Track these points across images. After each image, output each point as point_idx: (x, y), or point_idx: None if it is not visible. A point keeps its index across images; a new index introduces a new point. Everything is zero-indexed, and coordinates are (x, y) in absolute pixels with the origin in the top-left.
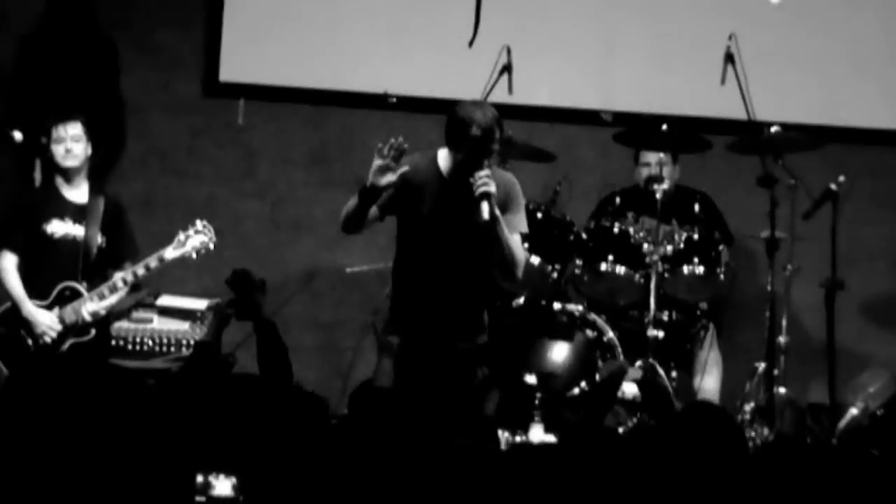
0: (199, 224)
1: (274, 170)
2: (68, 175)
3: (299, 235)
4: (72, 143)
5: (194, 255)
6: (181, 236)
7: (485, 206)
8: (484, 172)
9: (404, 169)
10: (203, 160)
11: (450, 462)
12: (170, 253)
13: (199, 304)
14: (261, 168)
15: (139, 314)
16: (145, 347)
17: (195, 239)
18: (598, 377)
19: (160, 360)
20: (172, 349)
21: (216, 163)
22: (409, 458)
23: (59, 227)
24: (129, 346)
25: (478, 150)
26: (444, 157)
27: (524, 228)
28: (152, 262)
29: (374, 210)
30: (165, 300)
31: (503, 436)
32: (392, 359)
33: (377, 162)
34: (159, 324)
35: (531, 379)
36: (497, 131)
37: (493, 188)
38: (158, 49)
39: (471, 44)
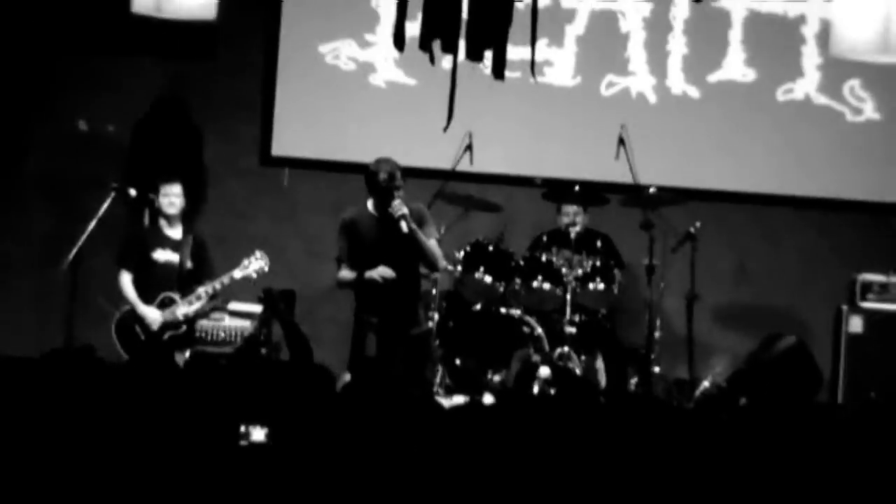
0: (258, 253)
1: (308, 216)
2: (169, 219)
3: (325, 262)
4: (174, 198)
5: (254, 276)
6: (245, 262)
7: (403, 224)
8: (397, 202)
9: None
10: (259, 209)
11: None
12: (237, 274)
13: (256, 308)
14: (299, 215)
15: (215, 315)
16: (219, 338)
17: (255, 264)
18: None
19: (229, 347)
20: (238, 340)
21: (268, 211)
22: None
23: (161, 255)
24: (209, 338)
25: (386, 189)
26: (370, 204)
27: (436, 236)
28: (225, 279)
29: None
30: (234, 305)
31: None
32: (373, 332)
33: (373, 274)
34: (229, 322)
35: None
36: (397, 174)
37: (405, 210)
38: (229, 132)
39: (445, 130)
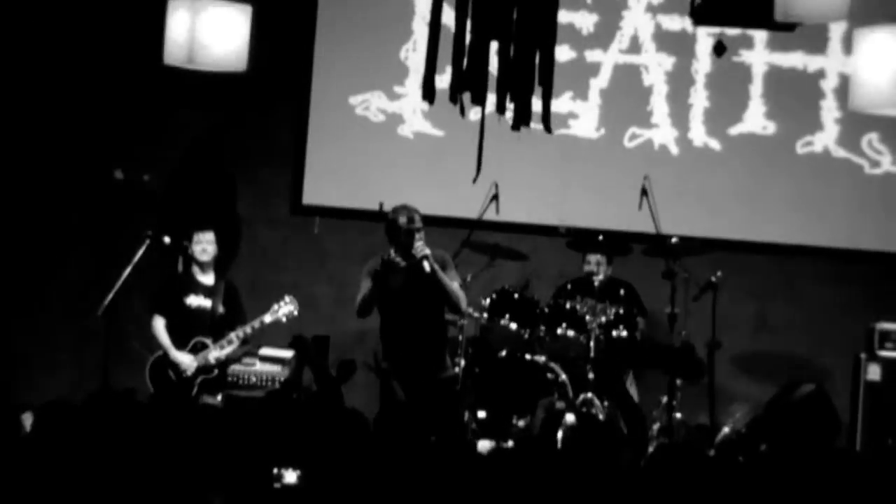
0: (287, 298)
1: (338, 264)
2: (202, 266)
3: (348, 311)
4: (206, 245)
5: (284, 320)
6: (275, 307)
7: (426, 263)
8: (419, 244)
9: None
10: (290, 256)
11: (445, 462)
12: (268, 318)
13: (287, 353)
14: (329, 263)
15: (247, 360)
16: (250, 382)
17: (285, 308)
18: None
19: (260, 391)
20: (269, 384)
21: (299, 259)
22: (421, 458)
23: (194, 300)
24: (240, 382)
25: (407, 232)
26: (392, 252)
27: (458, 280)
28: (256, 324)
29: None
30: (265, 350)
31: (482, 444)
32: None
33: (383, 256)
34: (260, 367)
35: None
36: (416, 217)
37: (428, 251)
38: (261, 181)
39: (474, 181)
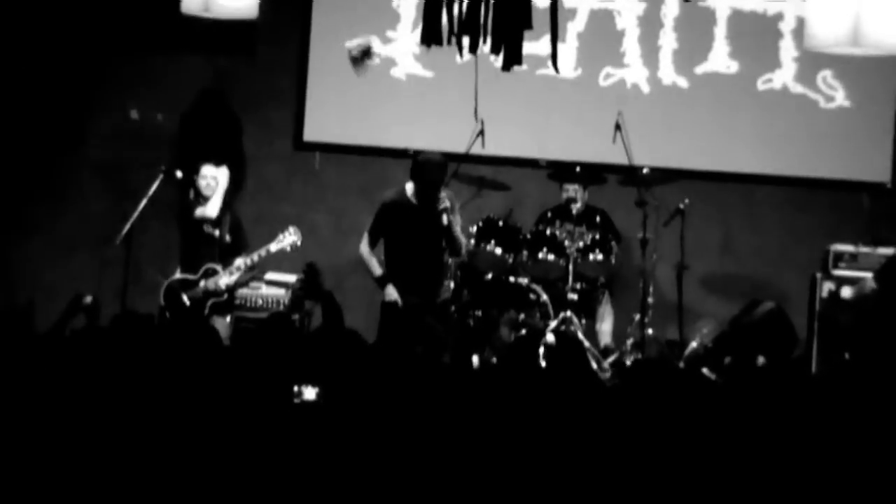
0: (291, 229)
1: (338, 197)
2: (207, 199)
3: (351, 237)
4: (210, 179)
5: (288, 249)
6: (280, 237)
7: (444, 217)
8: (443, 194)
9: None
10: (292, 190)
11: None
12: (273, 247)
13: (291, 278)
14: (329, 196)
15: (254, 284)
16: (257, 305)
17: (289, 238)
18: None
19: (265, 313)
20: (273, 306)
21: (301, 192)
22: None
23: (206, 229)
24: (248, 304)
25: (434, 182)
26: (409, 189)
27: (460, 223)
28: (262, 252)
29: (375, 243)
30: (270, 275)
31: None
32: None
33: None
34: (266, 290)
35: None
36: (446, 170)
37: (448, 205)
38: (265, 120)
39: (476, 117)
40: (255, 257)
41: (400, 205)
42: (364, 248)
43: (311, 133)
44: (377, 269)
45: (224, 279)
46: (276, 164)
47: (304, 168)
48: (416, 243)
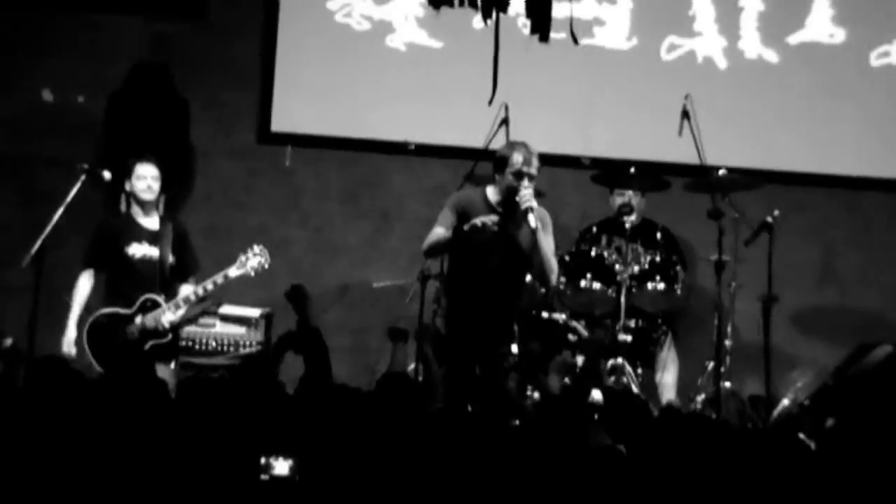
0: (256, 248)
1: (314, 204)
2: (144, 206)
3: (334, 257)
4: (151, 181)
5: (252, 274)
6: (242, 258)
7: (531, 218)
8: (527, 191)
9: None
10: (257, 195)
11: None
12: (233, 272)
13: (254, 312)
14: (303, 202)
15: (205, 320)
16: (209, 347)
17: (253, 260)
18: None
19: (222, 358)
20: (231, 349)
21: (267, 198)
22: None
23: (138, 249)
24: (197, 347)
25: (518, 175)
26: (491, 192)
27: (553, 247)
28: (219, 279)
29: (445, 233)
30: (226, 309)
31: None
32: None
33: (477, 221)
34: (221, 328)
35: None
36: (534, 161)
37: (534, 203)
38: (222, 105)
39: (490, 102)
40: (209, 285)
41: (474, 208)
42: (438, 230)
43: (281, 121)
44: (448, 232)
45: (167, 315)
46: (236, 161)
47: (273, 167)
48: (491, 261)
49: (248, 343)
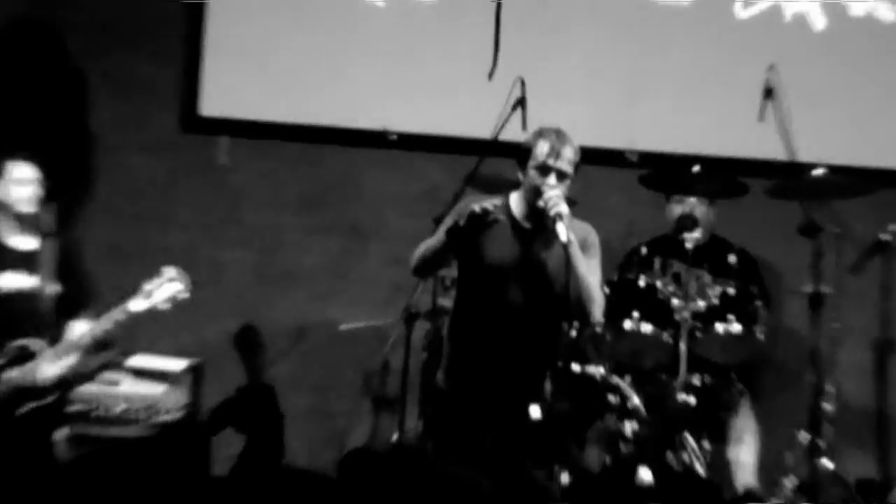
0: (169, 271)
1: (260, 214)
2: (21, 221)
3: (288, 287)
4: (29, 185)
5: (165, 307)
6: (148, 286)
7: (560, 228)
8: (553, 193)
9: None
10: (181, 203)
11: None
12: (136, 305)
13: (177, 364)
14: (245, 212)
15: (108, 376)
16: (114, 414)
17: (165, 289)
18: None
19: (132, 428)
20: (144, 416)
21: (196, 206)
22: None
23: (8, 281)
24: (96, 413)
25: (544, 170)
26: (516, 201)
27: (600, 274)
28: (117, 315)
29: None
30: (137, 360)
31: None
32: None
33: (475, 206)
34: (131, 387)
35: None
36: (565, 152)
37: (564, 208)
38: (132, 80)
39: (491, 75)
40: (106, 325)
41: (498, 223)
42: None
43: (213, 103)
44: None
45: (47, 367)
46: (151, 156)
47: (202, 164)
48: (511, 292)
49: (167, 407)
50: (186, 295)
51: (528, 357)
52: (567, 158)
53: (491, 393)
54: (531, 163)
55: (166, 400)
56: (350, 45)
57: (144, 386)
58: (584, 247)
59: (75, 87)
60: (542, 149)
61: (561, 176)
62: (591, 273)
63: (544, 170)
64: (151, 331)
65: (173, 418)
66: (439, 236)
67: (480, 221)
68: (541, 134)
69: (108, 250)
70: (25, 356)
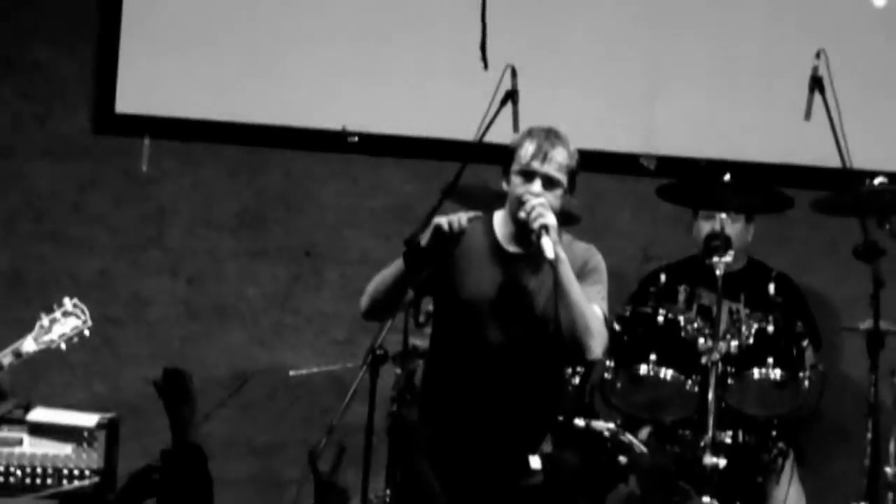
0: (67, 303)
1: (191, 235)
2: None
3: (225, 324)
4: None
5: (62, 346)
6: (45, 321)
7: (545, 243)
8: (536, 201)
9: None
10: (93, 221)
11: None
12: (29, 345)
13: (87, 419)
14: (172, 232)
15: (2, 433)
16: (11, 479)
17: (64, 324)
18: None
19: (30, 497)
20: (49, 481)
21: (111, 224)
22: None
23: None
24: None
25: (528, 175)
26: (500, 219)
27: (605, 308)
28: (5, 358)
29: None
30: (39, 414)
31: None
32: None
33: (439, 220)
34: (31, 446)
35: None
36: (553, 154)
37: (551, 220)
38: (33, 69)
39: (485, 64)
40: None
41: (474, 248)
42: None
43: (132, 97)
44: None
45: None
46: (57, 162)
47: (118, 172)
48: (494, 317)
49: (75, 471)
50: (87, 333)
51: (519, 410)
52: (558, 162)
53: (476, 456)
54: (514, 167)
55: (74, 462)
56: (301, 26)
57: (48, 446)
58: (585, 272)
59: None
60: (526, 150)
61: (549, 183)
62: (591, 302)
63: (528, 175)
64: (57, 377)
65: (81, 486)
66: (396, 264)
67: (447, 239)
68: (528, 133)
69: (4, 278)
70: None
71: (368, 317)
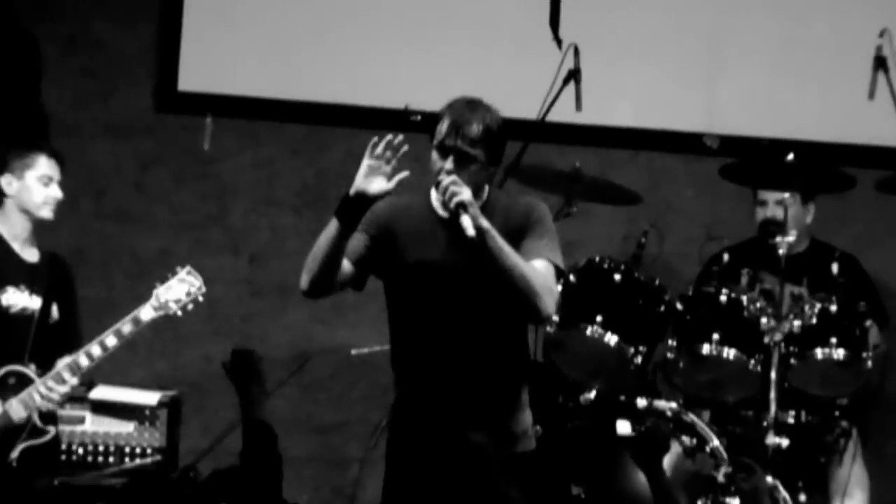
0: (181, 271)
1: (252, 213)
2: (31, 228)
3: (287, 303)
4: (53, 187)
5: (179, 312)
6: (160, 288)
7: (465, 219)
8: (449, 179)
9: (403, 175)
10: (156, 199)
11: None
12: (147, 312)
13: (149, 398)
14: (234, 210)
15: (66, 411)
16: (73, 457)
17: (178, 289)
18: None
19: (92, 476)
20: (111, 459)
21: (173, 203)
22: None
23: (13, 297)
24: (70, 455)
25: (444, 150)
26: (435, 193)
27: (554, 258)
28: (125, 326)
29: (347, 266)
30: (102, 392)
31: None
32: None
33: (367, 162)
34: (93, 425)
35: None
36: (469, 128)
37: (465, 195)
38: (97, 48)
39: (558, 43)
40: (113, 339)
41: (414, 222)
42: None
43: (195, 75)
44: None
45: (45, 397)
46: (119, 141)
47: (181, 150)
48: (442, 294)
49: (137, 449)
50: (201, 298)
51: (482, 368)
52: (471, 136)
53: (450, 421)
54: (434, 142)
55: (137, 441)
56: (364, 5)
57: (110, 424)
58: (528, 225)
59: (25, 55)
60: (442, 125)
61: (462, 158)
62: (538, 256)
63: (443, 150)
64: (119, 356)
65: (145, 464)
66: (328, 229)
67: (361, 202)
68: (448, 107)
69: (68, 255)
70: (15, 384)
71: (310, 293)
